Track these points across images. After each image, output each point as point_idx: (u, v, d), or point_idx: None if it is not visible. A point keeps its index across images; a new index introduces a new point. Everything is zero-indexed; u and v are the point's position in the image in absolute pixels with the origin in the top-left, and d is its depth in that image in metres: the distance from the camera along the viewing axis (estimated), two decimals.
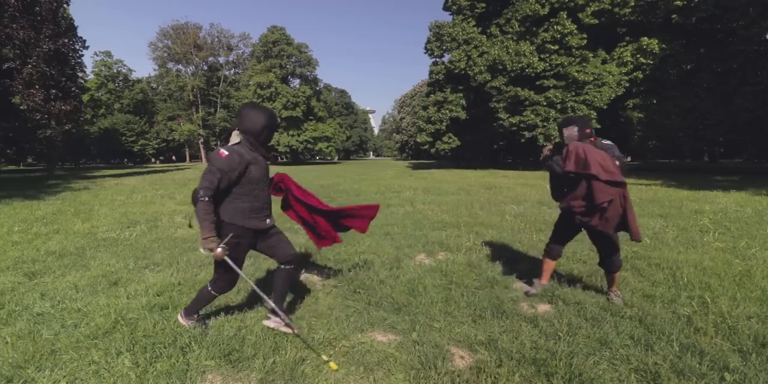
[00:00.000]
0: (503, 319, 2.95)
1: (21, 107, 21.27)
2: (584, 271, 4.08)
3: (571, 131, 3.34)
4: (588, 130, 3.33)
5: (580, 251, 4.89)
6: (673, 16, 22.94)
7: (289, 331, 2.71)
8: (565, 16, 25.80)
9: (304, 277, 4.07)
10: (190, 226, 2.89)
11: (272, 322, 2.78)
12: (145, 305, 3.21)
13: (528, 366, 2.32)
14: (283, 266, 2.82)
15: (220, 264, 2.61)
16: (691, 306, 3.14)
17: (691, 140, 28.45)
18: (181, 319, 2.82)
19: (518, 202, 9.73)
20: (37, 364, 2.36)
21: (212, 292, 2.73)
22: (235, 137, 2.58)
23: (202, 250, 2.42)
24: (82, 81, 27.70)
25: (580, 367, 2.28)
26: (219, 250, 2.41)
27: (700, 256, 4.47)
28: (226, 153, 2.43)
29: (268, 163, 2.75)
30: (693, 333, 2.69)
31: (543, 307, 3.21)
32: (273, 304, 2.71)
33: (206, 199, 2.37)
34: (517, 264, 4.45)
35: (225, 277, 2.68)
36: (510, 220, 7.06)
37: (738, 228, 6.17)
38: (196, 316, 2.83)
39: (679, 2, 22.22)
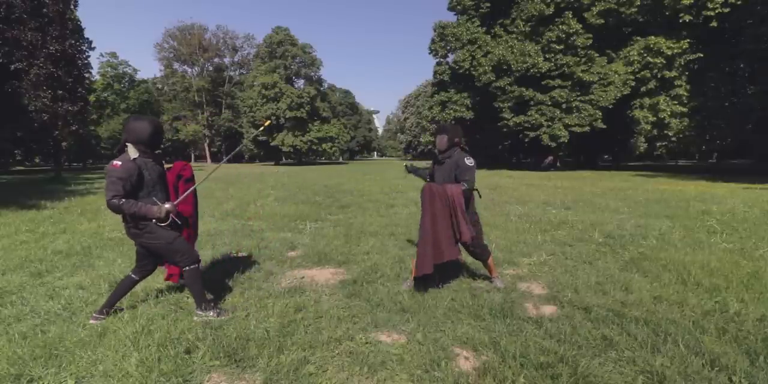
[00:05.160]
0: (508, 320, 2.94)
1: (29, 108, 21.47)
2: (590, 272, 4.05)
3: (441, 139, 3.56)
4: (457, 140, 3.53)
5: (586, 252, 4.87)
6: (681, 15, 22.77)
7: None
8: (570, 16, 25.68)
9: (308, 277, 4.08)
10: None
11: (96, 320, 2.97)
12: (151, 305, 3.23)
13: (533, 367, 2.31)
14: (133, 275, 3.08)
15: (177, 247, 2.93)
16: (699, 307, 3.11)
17: (698, 140, 28.24)
18: (200, 315, 2.98)
19: (522, 202, 9.70)
20: (44, 363, 2.37)
21: (191, 268, 2.97)
22: (131, 149, 2.80)
23: (163, 223, 2.83)
24: (89, 82, 27.86)
25: (586, 368, 2.26)
26: (167, 205, 2.82)
27: (708, 257, 4.43)
28: (120, 163, 2.70)
29: (162, 166, 3.05)
30: (700, 335, 2.66)
31: (548, 309, 3.19)
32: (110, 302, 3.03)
33: (123, 200, 2.68)
34: (522, 265, 4.44)
35: (187, 250, 2.99)
36: (515, 221, 7.04)
37: (746, 229, 6.11)
38: (212, 305, 3.06)
39: (686, 1, 22.04)
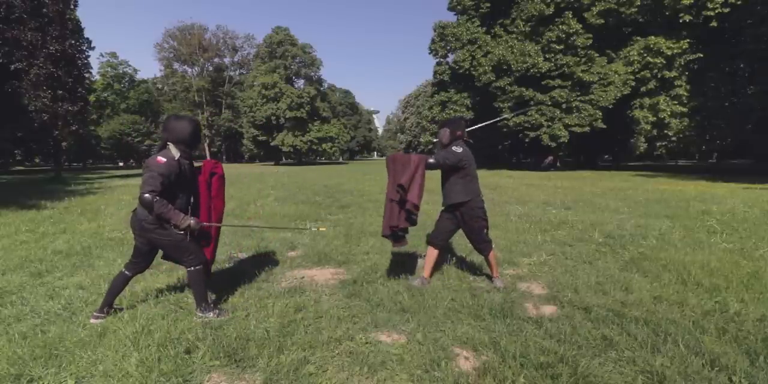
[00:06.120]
0: (508, 320, 2.94)
1: (29, 108, 21.47)
2: (590, 272, 4.05)
3: (444, 133, 3.62)
4: (459, 133, 3.57)
5: (586, 252, 4.87)
6: (681, 14, 22.76)
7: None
8: (570, 16, 25.66)
9: (308, 277, 4.08)
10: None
11: (96, 320, 2.96)
12: (151, 305, 3.23)
13: (533, 367, 2.31)
14: (126, 271, 3.04)
15: (187, 246, 2.95)
16: (699, 307, 3.10)
17: (698, 140, 28.23)
18: (199, 317, 2.97)
19: (522, 202, 9.70)
20: (44, 363, 2.37)
21: (196, 268, 2.97)
22: (173, 148, 2.84)
23: (181, 231, 2.85)
24: (89, 82, 27.86)
25: (586, 368, 2.26)
26: (192, 221, 2.85)
27: (708, 257, 4.42)
28: (164, 159, 2.73)
29: (193, 167, 3.08)
30: (700, 335, 2.66)
31: (548, 309, 3.19)
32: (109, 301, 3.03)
33: (157, 197, 2.69)
34: (522, 265, 4.44)
35: (196, 250, 3.01)
36: (514, 221, 7.04)
37: (746, 229, 6.11)
38: (211, 306, 3.05)
39: (686, 1, 22.03)
